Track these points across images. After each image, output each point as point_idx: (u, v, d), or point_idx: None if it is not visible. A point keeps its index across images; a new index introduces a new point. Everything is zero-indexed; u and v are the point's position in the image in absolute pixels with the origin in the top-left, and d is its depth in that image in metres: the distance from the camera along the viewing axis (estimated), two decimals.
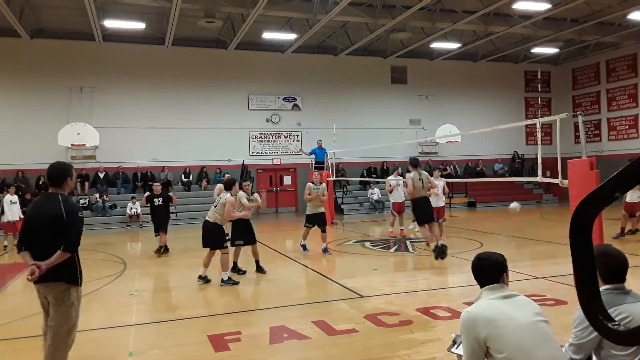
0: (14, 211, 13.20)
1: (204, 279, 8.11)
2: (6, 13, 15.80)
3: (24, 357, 5.07)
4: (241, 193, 9.22)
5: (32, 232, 3.93)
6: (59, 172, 4.02)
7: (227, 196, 8.25)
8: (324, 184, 11.25)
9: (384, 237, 13.62)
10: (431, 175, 13.51)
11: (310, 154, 19.60)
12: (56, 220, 3.80)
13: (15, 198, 13.48)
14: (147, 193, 12.38)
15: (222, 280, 8.03)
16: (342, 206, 21.47)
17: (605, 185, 1.50)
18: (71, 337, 4.00)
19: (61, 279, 3.87)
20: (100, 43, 19.85)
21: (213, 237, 8.17)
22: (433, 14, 18.66)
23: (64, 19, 18.45)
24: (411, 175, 9.74)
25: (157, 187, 11.99)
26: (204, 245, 8.28)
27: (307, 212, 10.77)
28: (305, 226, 10.77)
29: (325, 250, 10.71)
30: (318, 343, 5.10)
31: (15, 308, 7.09)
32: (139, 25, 18.26)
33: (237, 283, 8.09)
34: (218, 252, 8.15)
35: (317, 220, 10.61)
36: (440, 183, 11.70)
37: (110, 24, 18.15)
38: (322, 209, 10.79)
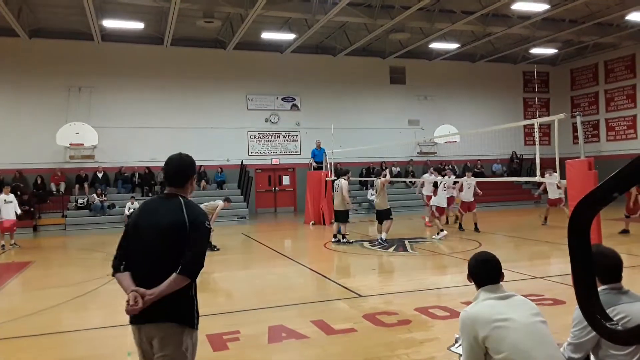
0: (8, 210, 13.12)
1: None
2: (4, 12, 15.73)
3: (20, 357, 5.06)
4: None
5: (137, 246, 2.84)
6: (180, 168, 2.95)
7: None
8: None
9: None
10: (462, 176, 15.07)
11: (311, 157, 19.77)
12: (175, 231, 2.76)
13: (10, 197, 13.37)
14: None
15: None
16: None
17: (604, 185, 1.50)
18: None
19: (173, 317, 2.75)
20: (99, 43, 19.81)
21: None
22: (432, 14, 18.65)
23: (63, 18, 18.41)
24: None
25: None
26: None
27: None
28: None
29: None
30: (317, 342, 5.11)
31: (11, 308, 7.10)
32: (138, 25, 18.22)
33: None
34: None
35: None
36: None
37: (109, 23, 18.10)
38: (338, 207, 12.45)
